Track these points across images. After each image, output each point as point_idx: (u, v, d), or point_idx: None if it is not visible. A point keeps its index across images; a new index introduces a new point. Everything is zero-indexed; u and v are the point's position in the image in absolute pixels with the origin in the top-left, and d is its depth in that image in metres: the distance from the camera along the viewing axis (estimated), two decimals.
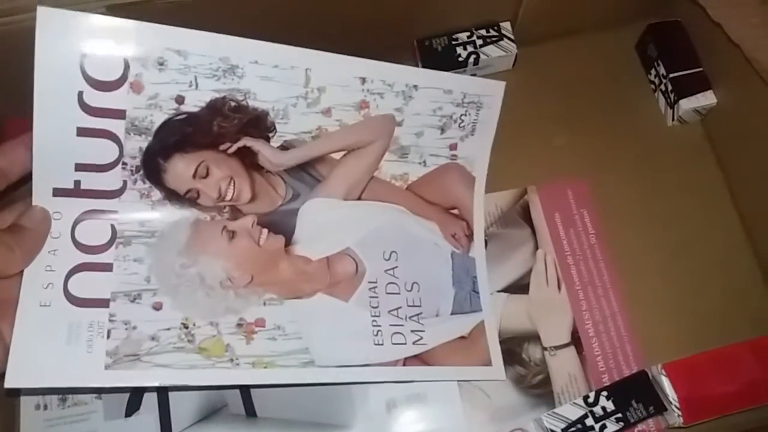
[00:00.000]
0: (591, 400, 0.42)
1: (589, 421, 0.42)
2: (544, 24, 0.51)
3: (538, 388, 0.44)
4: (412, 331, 0.42)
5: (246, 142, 0.39)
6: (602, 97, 0.52)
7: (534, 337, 0.45)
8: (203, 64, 0.35)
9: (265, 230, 0.40)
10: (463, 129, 0.45)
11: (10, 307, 0.34)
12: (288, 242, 0.41)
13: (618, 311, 0.46)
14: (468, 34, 0.50)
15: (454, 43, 0.50)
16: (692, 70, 0.50)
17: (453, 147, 0.45)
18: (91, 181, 0.35)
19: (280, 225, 0.41)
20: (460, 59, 0.49)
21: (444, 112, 0.44)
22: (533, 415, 0.43)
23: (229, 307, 0.38)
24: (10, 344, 0.33)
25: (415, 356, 0.42)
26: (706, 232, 0.49)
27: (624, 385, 0.43)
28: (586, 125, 0.51)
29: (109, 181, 0.36)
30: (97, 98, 0.34)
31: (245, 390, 0.43)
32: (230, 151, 0.38)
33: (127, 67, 0.34)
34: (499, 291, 0.46)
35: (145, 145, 0.36)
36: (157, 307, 0.37)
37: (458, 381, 0.43)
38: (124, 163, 0.36)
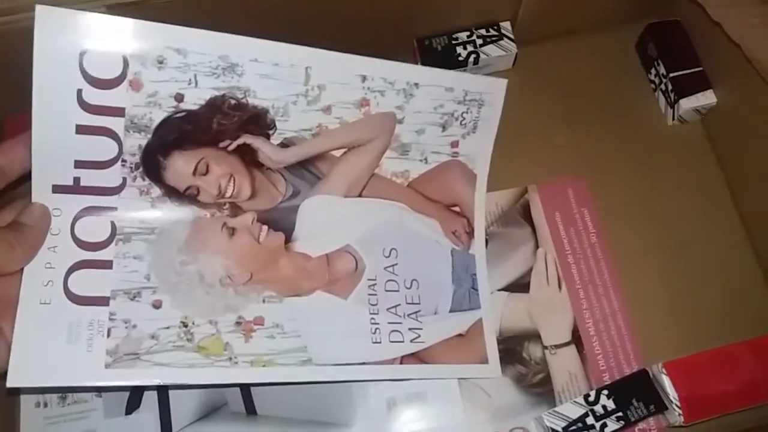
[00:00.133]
0: (592, 398, 0.42)
1: (590, 420, 0.42)
2: (544, 23, 0.51)
3: (539, 387, 0.44)
4: (410, 329, 0.42)
5: (246, 139, 0.39)
6: (602, 97, 0.52)
7: (534, 336, 0.45)
8: (203, 62, 0.35)
9: (265, 227, 0.40)
10: (465, 127, 0.45)
11: (11, 305, 0.34)
12: (288, 239, 0.41)
13: (618, 310, 0.46)
14: (468, 33, 0.50)
15: (454, 42, 0.50)
16: (692, 70, 0.50)
17: (454, 144, 0.45)
18: (90, 178, 0.35)
19: (280, 222, 0.41)
20: (460, 59, 0.49)
21: (445, 109, 0.43)
22: (534, 414, 0.43)
23: (229, 304, 0.38)
24: (11, 342, 0.33)
25: (413, 354, 0.42)
26: (707, 232, 0.49)
27: (625, 383, 0.43)
28: (586, 125, 0.51)
29: (109, 178, 0.36)
30: (96, 96, 0.34)
31: (245, 388, 0.43)
32: (230, 148, 0.39)
33: (126, 65, 0.34)
34: (499, 290, 0.46)
35: (144, 142, 0.36)
36: (157, 305, 0.37)
37: (455, 379, 0.43)
38: (124, 161, 0.36)
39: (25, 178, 0.34)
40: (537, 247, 0.48)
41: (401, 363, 0.41)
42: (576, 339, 0.45)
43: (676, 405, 0.41)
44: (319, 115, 0.40)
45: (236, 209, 0.40)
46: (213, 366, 0.37)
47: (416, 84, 0.42)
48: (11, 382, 0.33)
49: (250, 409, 0.42)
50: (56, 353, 0.34)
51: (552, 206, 0.49)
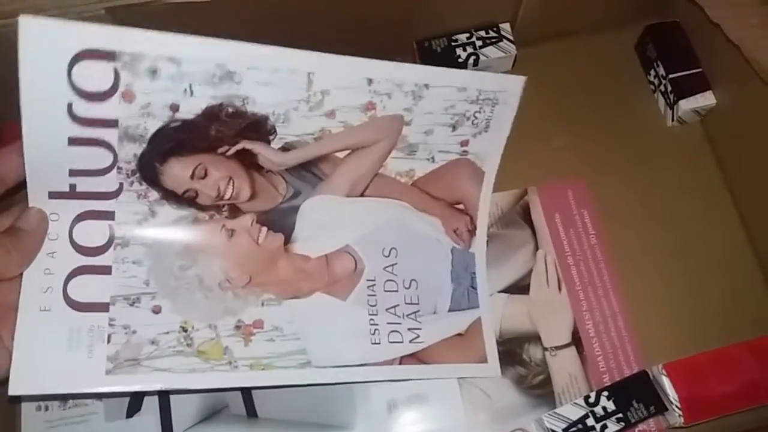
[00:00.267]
0: (592, 400, 0.42)
1: (590, 421, 0.42)
2: (543, 25, 0.51)
3: (539, 389, 0.44)
4: (409, 329, 0.42)
5: (245, 145, 0.38)
6: (602, 98, 0.52)
7: (534, 338, 0.45)
8: (198, 71, 0.34)
9: (264, 228, 0.40)
10: (477, 126, 0.43)
11: (10, 311, 0.33)
12: (287, 240, 0.41)
13: (618, 311, 0.46)
14: (467, 35, 0.50)
15: (453, 44, 0.50)
16: (691, 71, 0.50)
17: (464, 144, 0.44)
18: (86, 184, 0.35)
19: (280, 223, 0.41)
20: (460, 60, 0.49)
21: (457, 110, 0.42)
22: (534, 416, 0.43)
23: (228, 308, 0.38)
24: (11, 349, 0.33)
25: (412, 354, 0.42)
26: (706, 232, 0.49)
27: (625, 385, 0.43)
28: (586, 126, 0.51)
29: (105, 183, 0.36)
30: (87, 109, 0.32)
31: (246, 391, 0.43)
32: (229, 153, 0.38)
33: (117, 76, 0.32)
34: (499, 291, 0.46)
35: (139, 151, 0.35)
36: (157, 310, 0.37)
37: (455, 379, 0.43)
38: (119, 168, 0.35)
39: (23, 184, 0.34)
40: (537, 248, 0.48)
41: (400, 363, 0.41)
42: (576, 340, 0.45)
43: (676, 406, 0.41)
44: (323, 119, 0.39)
45: (235, 211, 0.40)
46: (213, 370, 0.37)
47: (426, 85, 0.40)
48: (13, 390, 0.32)
49: (251, 412, 0.42)
50: (57, 360, 0.34)
51: (552, 208, 0.49)
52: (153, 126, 0.35)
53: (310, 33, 0.43)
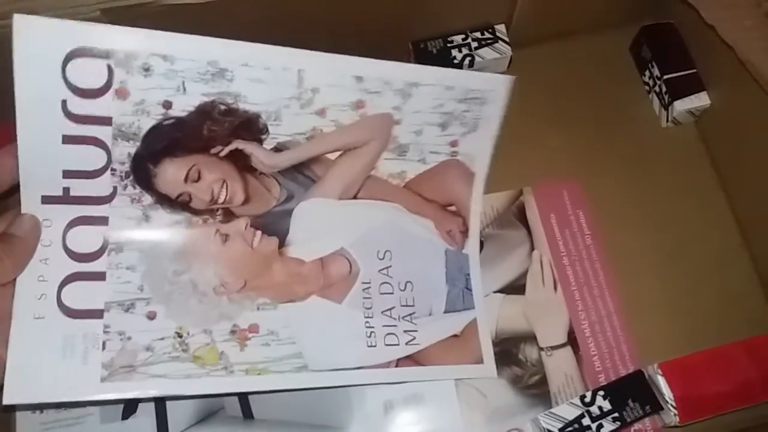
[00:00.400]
0: (588, 399, 0.42)
1: (586, 421, 0.42)
2: (538, 26, 0.51)
3: (535, 389, 0.44)
4: (405, 331, 0.42)
5: (238, 144, 0.38)
6: (597, 99, 0.52)
7: (530, 338, 0.45)
8: (191, 69, 0.34)
9: (259, 232, 0.40)
10: (465, 125, 0.44)
11: (2, 319, 0.33)
12: (282, 244, 0.40)
13: (614, 311, 0.46)
14: (463, 36, 0.50)
15: (449, 45, 0.50)
16: (686, 72, 0.50)
17: (454, 144, 0.44)
18: (80, 187, 0.35)
19: (274, 226, 0.40)
20: (455, 61, 0.50)
21: (445, 108, 0.42)
22: (530, 416, 0.43)
23: (223, 313, 0.38)
24: (5, 357, 0.33)
25: (408, 356, 0.42)
26: (701, 233, 0.49)
27: (620, 384, 0.43)
28: (580, 127, 0.51)
29: (99, 187, 0.35)
30: (81, 106, 0.33)
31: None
32: (222, 154, 0.38)
33: (111, 73, 0.33)
34: (495, 292, 0.46)
35: (133, 150, 0.35)
36: (151, 316, 0.37)
37: (452, 380, 0.43)
38: (113, 169, 0.35)
39: (15, 189, 0.34)
40: (532, 249, 0.48)
41: (397, 366, 0.41)
42: (572, 340, 0.46)
43: (672, 405, 0.41)
44: (314, 118, 0.39)
45: (229, 215, 0.40)
46: (208, 376, 0.37)
47: (415, 83, 0.40)
48: (8, 399, 0.32)
49: (247, 413, 0.42)
50: (52, 368, 0.34)
51: (547, 208, 0.49)
52: (146, 124, 0.35)
53: (305, 34, 0.43)
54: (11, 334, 0.33)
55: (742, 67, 0.41)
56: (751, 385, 0.42)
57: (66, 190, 0.35)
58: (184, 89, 0.35)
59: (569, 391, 0.44)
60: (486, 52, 0.50)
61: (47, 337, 0.34)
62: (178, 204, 0.38)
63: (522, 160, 0.50)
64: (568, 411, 0.42)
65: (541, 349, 0.45)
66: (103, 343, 0.35)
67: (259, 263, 0.40)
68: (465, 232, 0.46)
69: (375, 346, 0.41)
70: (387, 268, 0.43)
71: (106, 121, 0.34)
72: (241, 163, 0.39)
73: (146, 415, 0.41)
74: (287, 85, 0.37)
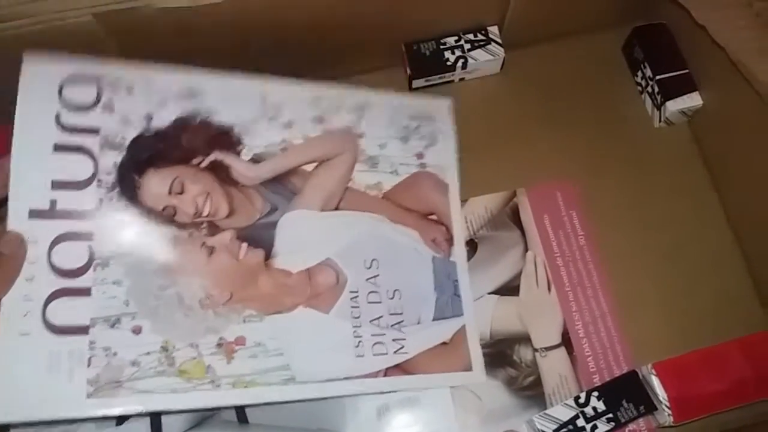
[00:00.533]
0: (582, 400, 0.42)
1: (581, 422, 0.42)
2: (531, 28, 0.51)
3: (530, 390, 0.44)
4: (393, 340, 0.42)
5: (217, 156, 0.39)
6: (590, 100, 0.52)
7: (525, 339, 0.45)
8: (169, 89, 0.39)
9: (245, 244, 0.40)
10: (424, 138, 0.46)
11: None
12: (267, 256, 0.40)
13: (608, 312, 0.47)
14: (456, 38, 0.50)
15: (442, 47, 0.50)
16: (678, 72, 0.50)
17: (420, 156, 0.46)
18: (66, 200, 0.35)
19: (259, 238, 0.40)
20: (448, 63, 0.50)
21: (401, 124, 0.45)
22: (525, 417, 0.43)
23: (209, 326, 0.38)
24: None
25: (397, 365, 0.41)
26: (695, 233, 0.49)
27: (614, 385, 0.43)
28: (574, 127, 0.51)
29: (85, 200, 0.36)
30: (72, 118, 0.36)
31: None
32: (202, 165, 0.39)
33: (100, 92, 0.37)
34: (489, 293, 0.46)
35: (119, 159, 0.37)
36: (137, 331, 0.36)
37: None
38: (99, 180, 0.36)
39: (4, 201, 0.34)
40: (526, 250, 0.48)
41: (385, 375, 0.41)
42: (566, 341, 0.46)
43: (666, 405, 0.41)
44: (283, 130, 0.42)
45: (214, 228, 0.39)
46: (195, 390, 0.36)
47: (366, 104, 0.44)
48: None
49: (242, 418, 0.42)
50: (37, 386, 0.33)
51: (541, 209, 0.49)
52: (130, 134, 0.38)
53: (302, 35, 0.43)
54: None
55: (733, 68, 0.41)
56: (745, 383, 0.42)
57: (53, 203, 0.35)
58: (164, 104, 0.39)
59: (564, 392, 0.44)
60: (479, 54, 0.50)
61: (32, 354, 0.34)
62: (164, 217, 0.38)
63: (515, 161, 0.50)
64: (563, 412, 0.42)
65: (536, 350, 0.45)
66: (89, 359, 0.35)
67: (245, 275, 0.39)
68: (450, 240, 0.46)
69: (363, 355, 0.41)
70: (374, 277, 0.43)
71: (94, 131, 0.37)
72: (223, 175, 0.40)
73: (140, 421, 0.41)
74: (253, 102, 0.41)
